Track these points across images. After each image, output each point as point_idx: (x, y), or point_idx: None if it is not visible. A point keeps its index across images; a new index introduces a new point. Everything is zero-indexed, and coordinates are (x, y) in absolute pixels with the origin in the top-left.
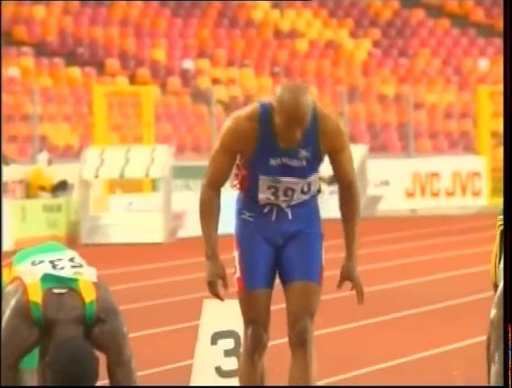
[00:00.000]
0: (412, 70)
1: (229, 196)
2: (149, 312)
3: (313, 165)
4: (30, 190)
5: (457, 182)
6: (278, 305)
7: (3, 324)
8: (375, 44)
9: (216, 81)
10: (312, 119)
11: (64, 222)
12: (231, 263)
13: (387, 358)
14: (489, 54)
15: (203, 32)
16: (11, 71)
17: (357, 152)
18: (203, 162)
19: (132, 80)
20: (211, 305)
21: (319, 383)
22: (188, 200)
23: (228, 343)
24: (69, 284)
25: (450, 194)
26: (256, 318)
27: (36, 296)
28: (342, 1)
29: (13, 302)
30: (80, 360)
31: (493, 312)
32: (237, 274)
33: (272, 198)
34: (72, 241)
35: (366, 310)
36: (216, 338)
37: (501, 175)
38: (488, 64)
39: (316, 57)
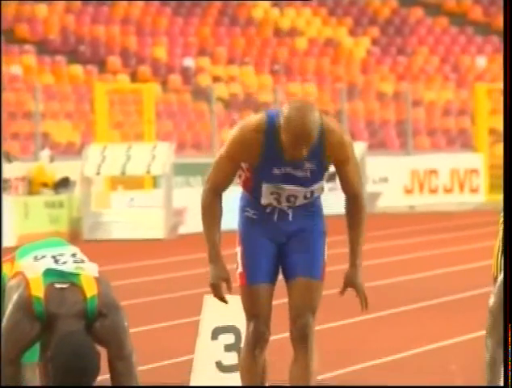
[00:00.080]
0: (410, 68)
1: (233, 192)
2: (150, 307)
3: (318, 176)
4: (32, 187)
5: (455, 179)
6: (279, 300)
7: (5, 318)
8: (374, 42)
9: (216, 78)
10: (319, 134)
11: (66, 218)
12: (233, 259)
13: (385, 353)
14: (487, 52)
15: (203, 31)
16: (14, 69)
17: (356, 149)
18: (204, 159)
19: (133, 78)
20: (211, 301)
21: (318, 377)
22: (189, 196)
23: (229, 338)
24: (71, 278)
25: (448, 191)
26: (258, 313)
27: (38, 290)
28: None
29: (15, 297)
30: (81, 355)
31: (492, 300)
32: (240, 269)
33: (275, 202)
34: (74, 237)
35: None
36: (216, 333)
37: (498, 171)
38: (486, 62)
39: (315, 55)
